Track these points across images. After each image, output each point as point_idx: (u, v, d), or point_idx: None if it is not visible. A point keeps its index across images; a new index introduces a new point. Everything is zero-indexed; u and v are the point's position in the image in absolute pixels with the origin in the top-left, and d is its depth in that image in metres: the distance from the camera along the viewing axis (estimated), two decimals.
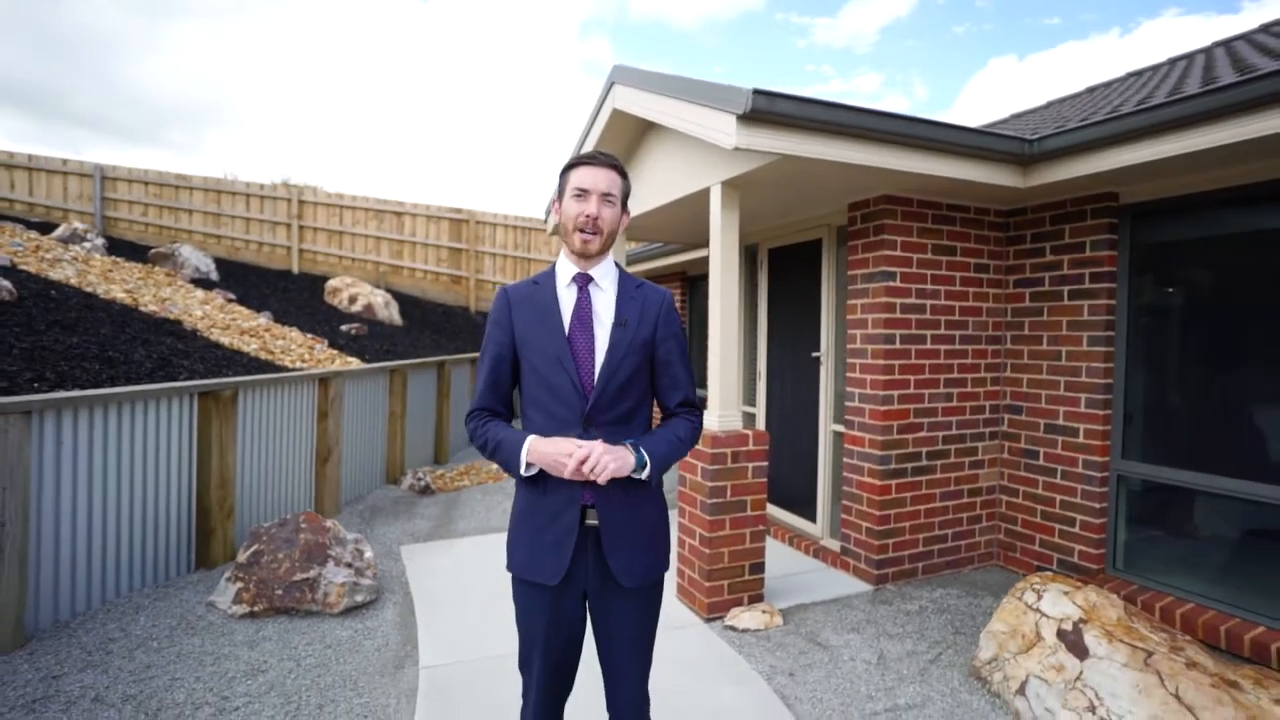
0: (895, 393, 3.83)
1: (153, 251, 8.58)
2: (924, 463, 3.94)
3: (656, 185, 4.39)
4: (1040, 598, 2.71)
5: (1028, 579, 2.89)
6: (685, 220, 4.93)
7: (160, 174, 10.74)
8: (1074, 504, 3.71)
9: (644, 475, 1.55)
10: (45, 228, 8.92)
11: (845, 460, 4.06)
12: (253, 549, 3.50)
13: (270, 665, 2.83)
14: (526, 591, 1.62)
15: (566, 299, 1.64)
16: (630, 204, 5.49)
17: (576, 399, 1.56)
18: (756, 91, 2.80)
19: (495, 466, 5.48)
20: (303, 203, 11.34)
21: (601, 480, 1.46)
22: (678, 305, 8.29)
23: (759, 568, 3.52)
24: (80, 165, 10.36)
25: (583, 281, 1.64)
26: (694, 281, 8.30)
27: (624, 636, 1.62)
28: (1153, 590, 3.37)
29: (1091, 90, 6.09)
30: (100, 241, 8.32)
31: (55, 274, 6.12)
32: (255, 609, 3.28)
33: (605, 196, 1.60)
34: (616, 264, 1.73)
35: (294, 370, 5.40)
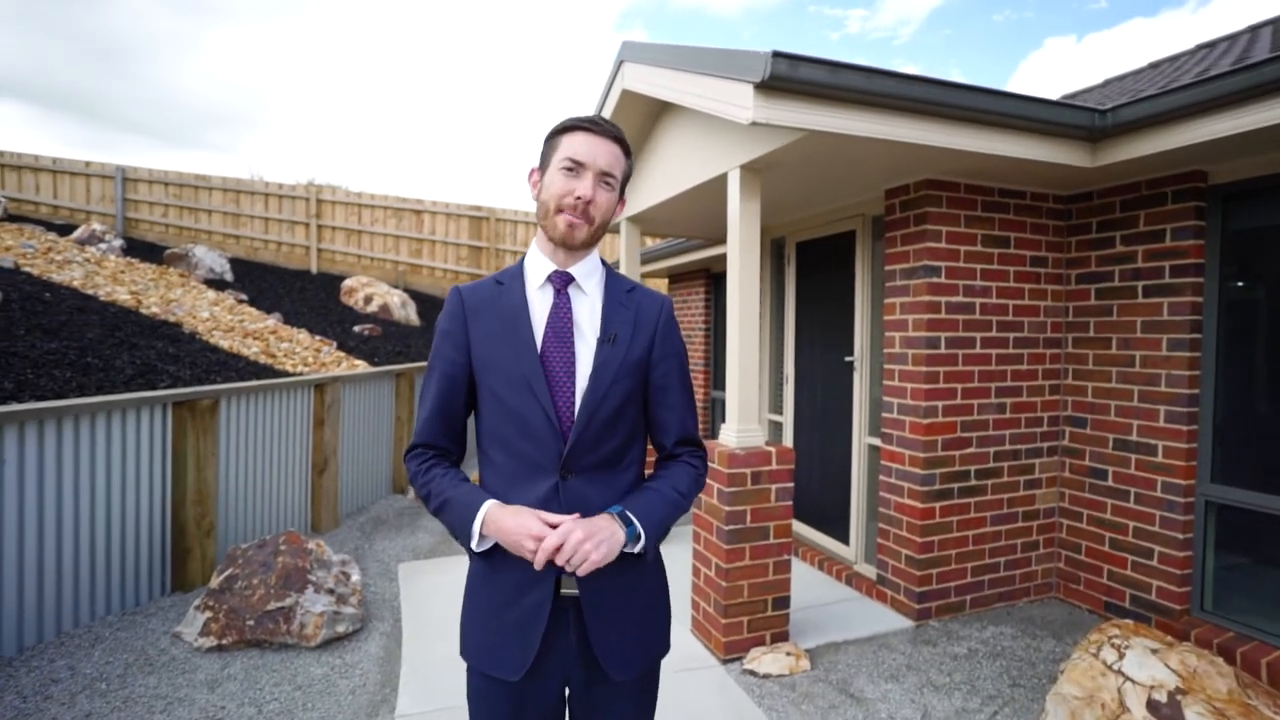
0: (940, 403, 3.37)
1: (167, 252, 8.48)
2: (972, 482, 3.47)
3: (671, 173, 3.99)
4: (1122, 656, 2.25)
5: (1103, 630, 2.43)
6: (704, 212, 4.52)
7: (180, 174, 10.69)
8: (1151, 532, 3.21)
9: (637, 549, 1.18)
10: (67, 229, 8.91)
11: (883, 479, 3.61)
12: (226, 573, 3.22)
13: (228, 712, 2.52)
14: (484, 685, 1.24)
15: (539, 304, 1.25)
16: (644, 195, 5.01)
17: (551, 437, 1.18)
18: (776, 55, 2.39)
19: None
20: (321, 202, 11.20)
21: (582, 572, 1.09)
22: (701, 307, 7.90)
23: (783, 602, 3.11)
24: (102, 167, 10.35)
25: (561, 282, 1.25)
26: (719, 280, 7.86)
27: None
28: (1254, 640, 2.86)
29: (1155, 65, 5.49)
30: (118, 243, 8.25)
31: (60, 276, 5.98)
32: (224, 641, 2.99)
33: (603, 176, 1.21)
34: (603, 261, 1.34)
35: (293, 375, 5.15)
